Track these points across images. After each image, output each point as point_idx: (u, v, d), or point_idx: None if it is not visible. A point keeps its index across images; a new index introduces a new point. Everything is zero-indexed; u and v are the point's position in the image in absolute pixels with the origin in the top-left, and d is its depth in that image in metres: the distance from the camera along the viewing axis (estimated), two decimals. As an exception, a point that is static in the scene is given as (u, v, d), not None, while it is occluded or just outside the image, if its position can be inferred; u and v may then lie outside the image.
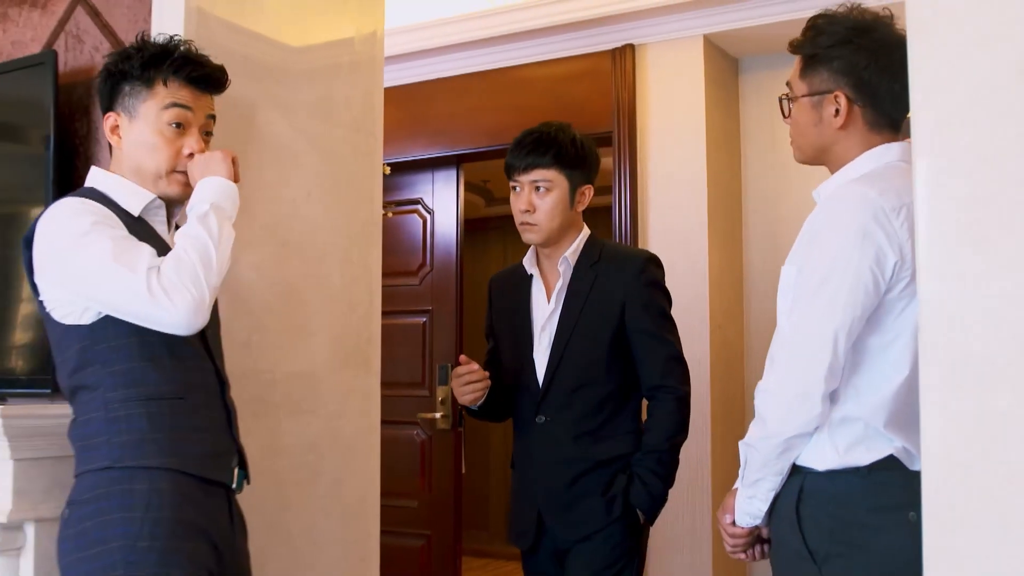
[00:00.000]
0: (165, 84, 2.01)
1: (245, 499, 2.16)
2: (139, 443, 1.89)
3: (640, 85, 4.18)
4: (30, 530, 2.29)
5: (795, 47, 1.98)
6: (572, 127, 2.57)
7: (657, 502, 2.45)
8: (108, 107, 2.05)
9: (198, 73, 2.05)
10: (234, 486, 2.04)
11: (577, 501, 2.44)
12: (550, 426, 2.48)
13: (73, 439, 1.98)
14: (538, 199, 2.49)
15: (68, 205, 1.95)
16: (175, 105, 2.02)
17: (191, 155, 2.03)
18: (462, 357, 2.50)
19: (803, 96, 1.93)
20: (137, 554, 1.84)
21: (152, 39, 2.08)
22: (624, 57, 4.16)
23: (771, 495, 1.85)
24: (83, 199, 1.97)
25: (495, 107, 4.46)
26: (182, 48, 2.05)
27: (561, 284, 2.53)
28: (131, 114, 2.02)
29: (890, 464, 1.73)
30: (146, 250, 1.87)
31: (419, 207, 4.88)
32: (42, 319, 2.02)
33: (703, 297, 3.96)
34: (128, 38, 2.54)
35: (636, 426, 2.50)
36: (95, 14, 2.64)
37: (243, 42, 2.61)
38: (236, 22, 2.62)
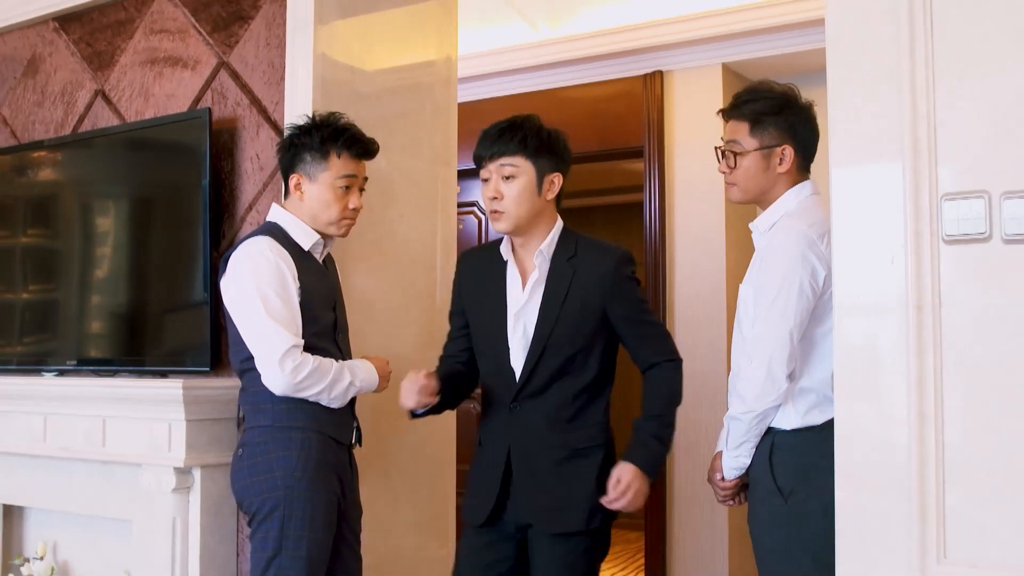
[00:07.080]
0: (339, 157, 2.51)
1: (363, 452, 2.71)
2: (293, 411, 2.46)
3: (667, 106, 4.56)
4: (197, 473, 2.86)
5: (731, 113, 2.33)
6: (539, 118, 2.48)
7: (658, 462, 2.45)
8: (289, 167, 2.55)
9: (361, 149, 2.56)
10: (353, 443, 2.63)
11: (560, 500, 2.39)
12: (524, 413, 2.43)
13: (243, 403, 2.56)
14: (505, 186, 2.41)
15: (259, 250, 2.45)
16: (346, 176, 2.53)
17: (356, 208, 2.55)
18: (427, 372, 2.41)
19: (754, 150, 2.29)
20: (293, 480, 2.43)
21: (320, 116, 2.55)
22: (654, 82, 4.54)
23: (752, 451, 2.24)
24: (271, 239, 2.46)
25: (541, 123, 4.89)
26: (352, 131, 2.53)
27: (537, 276, 2.45)
28: (311, 178, 2.52)
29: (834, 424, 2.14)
30: (295, 324, 2.41)
31: (475, 209, 5.24)
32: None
33: (721, 287, 4.33)
34: (263, 96, 3.05)
35: (604, 418, 2.47)
36: (235, 76, 3.11)
37: (355, 78, 2.98)
38: (349, 63, 2.97)
